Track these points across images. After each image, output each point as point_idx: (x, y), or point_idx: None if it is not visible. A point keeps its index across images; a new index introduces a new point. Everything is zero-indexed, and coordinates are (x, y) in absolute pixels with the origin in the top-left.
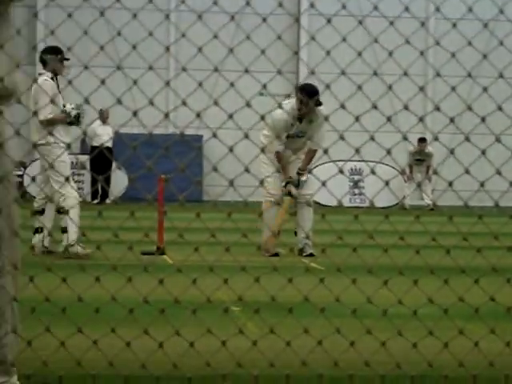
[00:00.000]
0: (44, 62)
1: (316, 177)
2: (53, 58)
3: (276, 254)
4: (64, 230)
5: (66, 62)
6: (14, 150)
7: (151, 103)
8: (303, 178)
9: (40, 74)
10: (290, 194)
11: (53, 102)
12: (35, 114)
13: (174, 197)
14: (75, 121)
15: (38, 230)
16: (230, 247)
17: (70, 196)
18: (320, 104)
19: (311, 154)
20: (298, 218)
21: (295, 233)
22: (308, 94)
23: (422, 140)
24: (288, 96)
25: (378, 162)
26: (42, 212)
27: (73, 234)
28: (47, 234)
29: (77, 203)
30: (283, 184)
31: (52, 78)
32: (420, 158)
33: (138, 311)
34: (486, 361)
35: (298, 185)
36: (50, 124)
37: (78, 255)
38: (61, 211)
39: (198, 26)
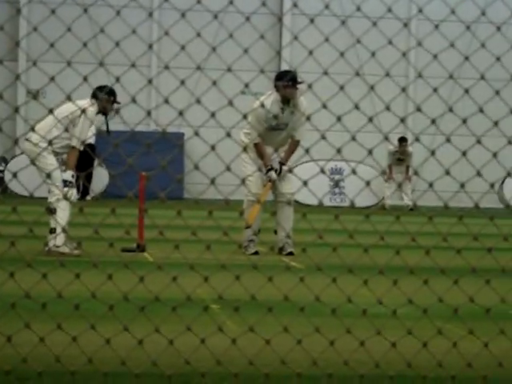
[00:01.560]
0: (96, 98)
1: (297, 176)
2: (106, 98)
3: (256, 253)
4: (52, 231)
5: (115, 105)
6: None
7: (133, 100)
8: (285, 168)
9: (91, 104)
10: (270, 180)
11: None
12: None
13: (155, 194)
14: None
15: (51, 231)
16: (211, 245)
17: (63, 198)
18: (301, 82)
19: (294, 146)
20: (278, 216)
21: (275, 231)
22: (292, 77)
23: (403, 139)
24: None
25: (359, 162)
26: (53, 211)
27: (62, 236)
28: (62, 232)
29: (69, 205)
30: (264, 174)
31: (96, 113)
32: (400, 157)
33: (117, 308)
34: (464, 361)
35: (279, 173)
36: (71, 152)
37: (64, 255)
38: (52, 211)
39: (181, 24)
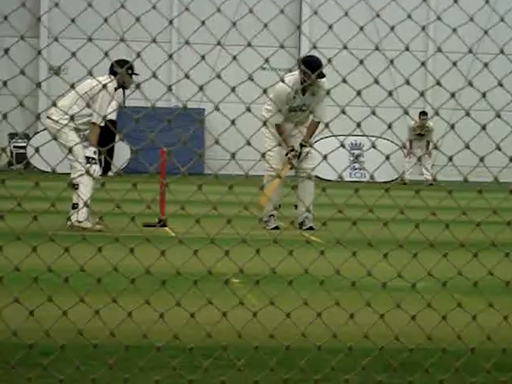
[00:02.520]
0: (114, 73)
1: (317, 151)
2: (123, 71)
3: (276, 227)
4: (74, 206)
5: (134, 77)
6: (18, 122)
7: (154, 76)
8: (305, 150)
9: (110, 80)
10: (290, 162)
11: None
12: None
13: (176, 169)
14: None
15: (74, 206)
16: (232, 220)
17: (86, 173)
18: (323, 76)
19: (314, 126)
20: (298, 191)
21: (295, 206)
22: (310, 67)
23: (423, 114)
24: (290, 70)
25: (379, 137)
26: (76, 187)
27: (84, 212)
28: (87, 208)
29: (91, 181)
30: (285, 155)
31: (116, 89)
32: (421, 132)
33: (139, 282)
34: (483, 334)
35: (299, 156)
36: (92, 128)
37: (86, 230)
38: (75, 187)
39: None
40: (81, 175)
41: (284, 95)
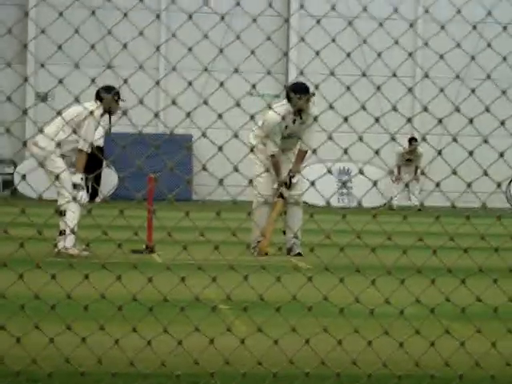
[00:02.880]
0: (101, 99)
1: (304, 177)
2: (109, 97)
3: (265, 254)
4: (61, 233)
5: (120, 102)
6: (5, 149)
7: (141, 102)
8: (294, 180)
9: (96, 106)
10: (282, 196)
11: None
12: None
13: (164, 196)
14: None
15: (61, 233)
16: (219, 246)
17: (73, 200)
18: (313, 94)
19: (302, 155)
20: (286, 217)
21: (284, 232)
22: (301, 92)
23: (413, 140)
24: (277, 96)
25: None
26: (63, 213)
27: (71, 238)
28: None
29: (78, 208)
30: (275, 186)
31: (102, 115)
32: (410, 157)
33: (126, 309)
34: (472, 361)
35: (289, 186)
36: (79, 155)
37: (73, 256)
38: (62, 214)
39: (189, 26)
40: (68, 202)
41: (278, 125)
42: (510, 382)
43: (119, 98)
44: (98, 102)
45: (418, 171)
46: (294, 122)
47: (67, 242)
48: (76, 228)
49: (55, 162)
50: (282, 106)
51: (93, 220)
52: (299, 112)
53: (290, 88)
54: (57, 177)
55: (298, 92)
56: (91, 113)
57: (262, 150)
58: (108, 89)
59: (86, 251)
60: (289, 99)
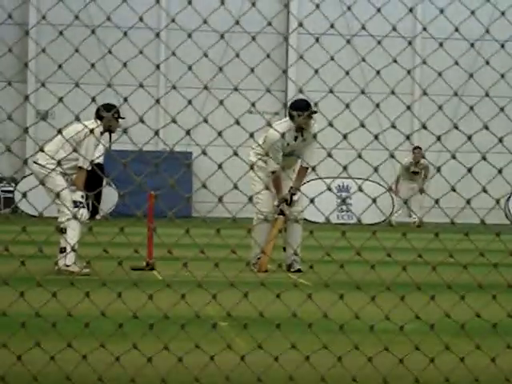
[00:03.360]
0: (101, 118)
1: (304, 194)
2: (109, 115)
3: (265, 271)
4: (62, 250)
5: (120, 121)
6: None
7: (141, 120)
8: (295, 198)
9: (96, 124)
10: (282, 213)
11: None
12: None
13: (164, 213)
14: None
15: (61, 250)
16: (219, 263)
17: (73, 218)
18: (315, 112)
19: (303, 173)
20: (287, 234)
21: (284, 249)
22: (300, 108)
23: (416, 149)
24: (276, 114)
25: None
26: (64, 231)
27: (72, 256)
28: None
29: (79, 225)
30: (276, 203)
31: (102, 133)
32: (415, 170)
33: (127, 326)
34: (472, 376)
35: (290, 203)
36: (79, 173)
37: (74, 274)
38: (62, 231)
39: (188, 44)
40: (68, 219)
41: (279, 143)
42: None
43: (119, 116)
44: (98, 121)
45: (425, 182)
46: (295, 139)
47: (68, 260)
48: (76, 246)
49: (55, 180)
50: (284, 123)
51: (93, 237)
52: (301, 129)
53: (291, 105)
54: (57, 194)
55: (300, 109)
56: (91, 131)
57: (262, 168)
58: (108, 107)
59: (86, 269)
60: (290, 116)
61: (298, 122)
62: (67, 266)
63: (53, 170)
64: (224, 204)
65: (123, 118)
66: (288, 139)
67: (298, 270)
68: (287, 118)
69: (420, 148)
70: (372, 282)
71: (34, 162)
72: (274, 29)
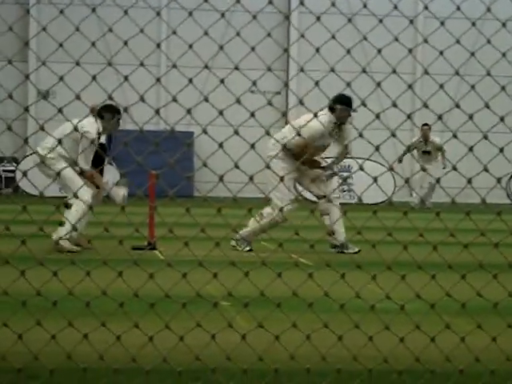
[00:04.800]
0: (102, 117)
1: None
2: (110, 117)
3: (250, 250)
4: (61, 224)
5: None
6: (7, 146)
7: (142, 99)
8: (331, 178)
9: (94, 121)
10: (321, 197)
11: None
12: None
13: (165, 192)
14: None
15: (61, 224)
16: (220, 242)
17: (82, 199)
18: (355, 111)
19: (343, 157)
20: (331, 217)
21: (331, 233)
22: (347, 104)
23: (425, 125)
24: (278, 93)
25: (367, 159)
26: (69, 206)
27: (65, 229)
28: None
29: (85, 207)
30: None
31: (100, 133)
32: (426, 149)
33: (128, 305)
34: (472, 356)
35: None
36: (88, 175)
37: (63, 248)
38: (67, 206)
39: (189, 23)
40: (76, 199)
41: (319, 133)
42: (510, 377)
43: (120, 117)
44: (99, 120)
45: (444, 164)
46: (333, 131)
47: (61, 232)
48: (78, 225)
49: (59, 163)
50: (326, 116)
51: (94, 217)
52: (339, 123)
53: (335, 99)
54: (58, 174)
55: (345, 104)
56: (99, 134)
57: (284, 159)
58: (110, 108)
59: (87, 247)
60: (332, 109)
61: (340, 116)
62: (60, 239)
63: (54, 158)
64: (225, 183)
65: (120, 118)
66: (328, 130)
67: (348, 249)
68: (326, 111)
69: (428, 125)
70: (373, 261)
71: (37, 154)
72: (275, 7)
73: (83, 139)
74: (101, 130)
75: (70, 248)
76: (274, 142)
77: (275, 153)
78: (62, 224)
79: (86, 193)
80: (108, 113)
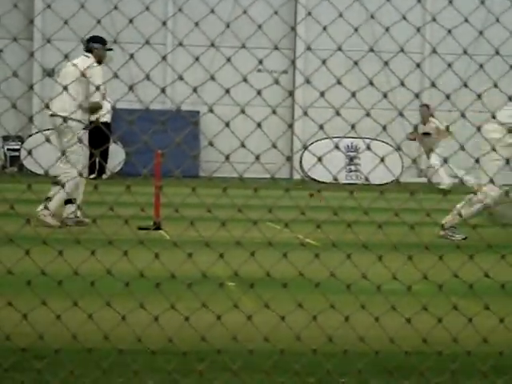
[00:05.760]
0: (90, 50)
1: (311, 152)
2: (99, 47)
3: None
4: (48, 198)
5: (108, 52)
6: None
7: (148, 78)
8: None
9: (87, 57)
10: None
11: (98, 88)
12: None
13: (171, 172)
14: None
15: (47, 198)
16: (226, 222)
17: (72, 176)
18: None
19: None
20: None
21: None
22: None
23: (424, 105)
24: (284, 72)
25: (373, 139)
26: (59, 183)
27: (54, 203)
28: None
29: (74, 184)
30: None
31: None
32: (425, 131)
33: (133, 285)
34: (479, 337)
35: None
36: (94, 107)
37: (46, 223)
38: (57, 183)
39: (196, 1)
40: (66, 175)
41: None
42: None
43: (108, 48)
44: (90, 54)
45: (432, 157)
46: None
47: (51, 206)
48: (78, 201)
49: (74, 138)
50: None
51: (99, 196)
52: None
53: None
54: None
55: None
56: (88, 67)
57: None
58: (97, 38)
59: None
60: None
61: None
62: (44, 215)
63: (76, 119)
64: (231, 163)
65: (111, 50)
66: None
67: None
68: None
69: (426, 105)
70: (379, 242)
71: (53, 115)
72: None
73: (93, 74)
74: (95, 64)
75: (53, 224)
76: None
77: (499, 135)
78: (48, 198)
79: (78, 164)
80: (95, 43)
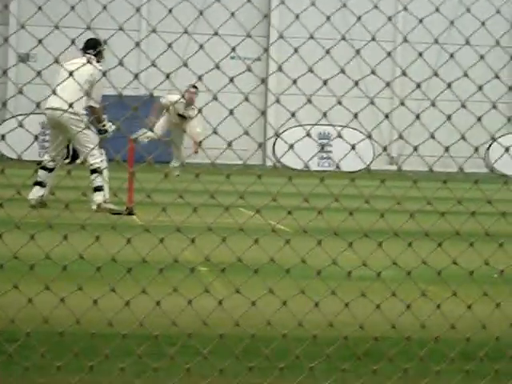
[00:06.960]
0: (94, 51)
1: (283, 140)
2: (100, 47)
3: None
4: (97, 189)
5: (102, 64)
6: None
7: (121, 64)
8: None
9: (96, 61)
10: None
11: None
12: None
13: (144, 158)
14: (104, 132)
15: (40, 184)
16: (198, 208)
17: (103, 160)
18: None
19: None
20: None
21: None
22: None
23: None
24: (258, 60)
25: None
26: (50, 170)
27: (107, 192)
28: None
29: (106, 166)
30: None
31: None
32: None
33: (105, 270)
34: (448, 323)
35: None
36: (94, 112)
37: (111, 210)
38: (97, 171)
39: None
40: (101, 161)
41: None
42: (485, 345)
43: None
44: (93, 57)
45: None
46: None
47: (102, 197)
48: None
49: (82, 123)
50: None
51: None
52: None
53: None
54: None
55: None
56: (104, 74)
57: None
58: (95, 41)
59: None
60: None
61: None
62: (105, 202)
63: (80, 113)
64: (204, 149)
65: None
66: None
67: None
68: None
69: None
70: (350, 228)
71: (56, 109)
72: None
73: (98, 78)
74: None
75: (115, 208)
76: None
77: None
78: (98, 189)
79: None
80: (100, 47)
